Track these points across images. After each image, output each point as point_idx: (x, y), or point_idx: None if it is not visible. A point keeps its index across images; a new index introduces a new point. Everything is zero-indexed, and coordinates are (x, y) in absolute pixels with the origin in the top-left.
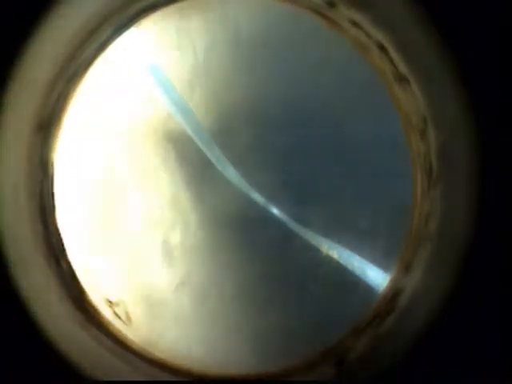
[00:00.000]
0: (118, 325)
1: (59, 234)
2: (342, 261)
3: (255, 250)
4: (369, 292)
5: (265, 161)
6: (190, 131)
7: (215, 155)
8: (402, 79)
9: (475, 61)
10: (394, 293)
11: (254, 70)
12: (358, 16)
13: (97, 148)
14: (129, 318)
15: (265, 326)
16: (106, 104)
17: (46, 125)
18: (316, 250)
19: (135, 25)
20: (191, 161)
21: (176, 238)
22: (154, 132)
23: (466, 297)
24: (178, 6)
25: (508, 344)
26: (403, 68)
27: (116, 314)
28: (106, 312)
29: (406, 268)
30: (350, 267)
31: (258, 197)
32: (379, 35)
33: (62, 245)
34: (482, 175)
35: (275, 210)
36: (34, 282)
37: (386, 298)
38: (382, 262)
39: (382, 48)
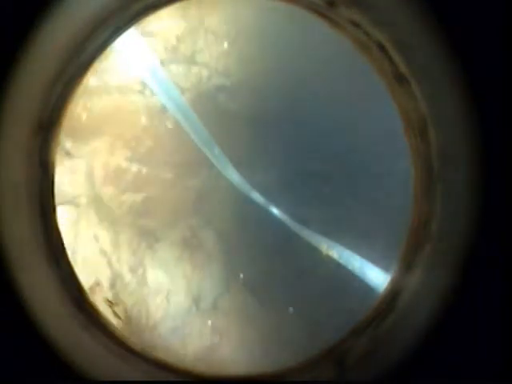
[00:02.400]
0: (118, 325)
1: (59, 234)
2: (341, 261)
3: (255, 250)
4: (369, 292)
5: (265, 161)
6: (190, 131)
7: (215, 155)
8: (402, 79)
9: (476, 60)
10: (394, 293)
11: (254, 70)
12: (357, 16)
13: (97, 148)
14: (129, 318)
15: (265, 326)
16: (106, 104)
17: (46, 125)
18: (316, 250)
19: (135, 25)
20: (191, 161)
21: (176, 237)
22: (154, 132)
23: (466, 297)
24: (177, 6)
25: (509, 345)
26: (403, 68)
27: (116, 314)
28: (106, 312)
29: (406, 268)
30: (349, 267)
31: (258, 197)
32: (379, 35)
33: (62, 245)
34: (482, 175)
35: (275, 210)
36: (33, 282)
37: (385, 298)
38: (381, 262)
39: (381, 48)
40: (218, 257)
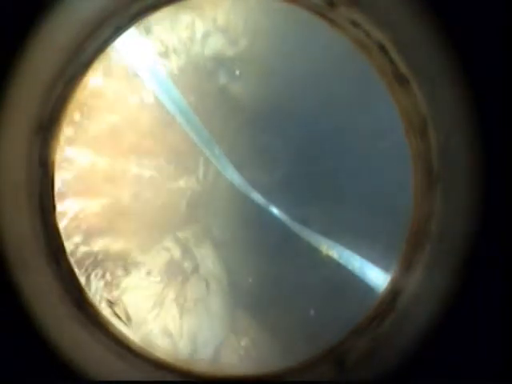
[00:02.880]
0: (117, 325)
1: (59, 234)
2: (341, 261)
3: (255, 250)
4: (369, 292)
5: (265, 161)
6: (190, 131)
7: (215, 155)
8: (402, 79)
9: (476, 60)
10: (394, 293)
11: (254, 70)
12: (357, 16)
13: (97, 148)
14: (129, 317)
15: (265, 327)
16: (106, 104)
17: (46, 125)
18: (316, 250)
19: (135, 25)
20: (191, 161)
21: (176, 238)
22: (154, 132)
23: (466, 297)
24: (178, 6)
25: (509, 345)
26: (403, 68)
27: (116, 314)
28: (106, 312)
29: (406, 268)
30: (350, 267)
31: (258, 197)
32: (379, 35)
33: (62, 245)
34: (482, 175)
35: (275, 210)
36: (34, 282)
37: (385, 298)
38: (381, 262)
39: (382, 48)
40: (218, 257)
